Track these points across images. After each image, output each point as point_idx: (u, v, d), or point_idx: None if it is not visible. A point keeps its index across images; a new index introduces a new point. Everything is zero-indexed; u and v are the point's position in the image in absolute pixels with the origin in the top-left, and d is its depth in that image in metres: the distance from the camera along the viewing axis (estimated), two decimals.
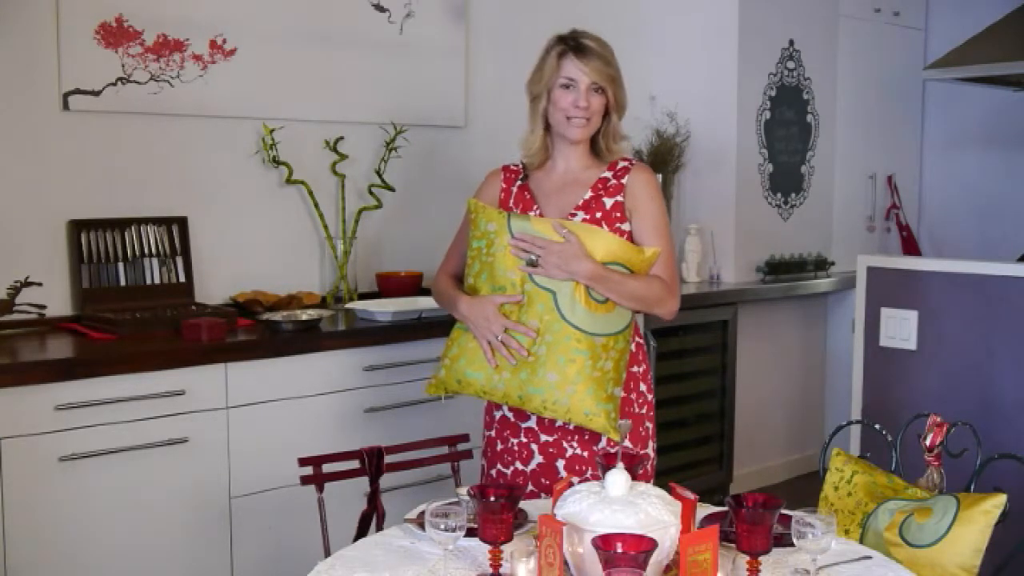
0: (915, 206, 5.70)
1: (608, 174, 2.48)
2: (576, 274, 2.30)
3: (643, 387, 2.52)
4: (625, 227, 2.44)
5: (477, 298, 2.40)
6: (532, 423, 2.46)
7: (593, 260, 2.32)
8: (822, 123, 5.12)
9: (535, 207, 2.49)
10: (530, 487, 2.46)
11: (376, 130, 3.86)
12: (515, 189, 2.53)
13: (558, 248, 2.31)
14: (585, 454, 2.43)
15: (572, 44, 2.45)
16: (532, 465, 2.46)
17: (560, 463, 2.44)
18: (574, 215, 2.44)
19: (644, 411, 2.52)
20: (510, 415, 2.50)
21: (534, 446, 2.46)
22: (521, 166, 2.57)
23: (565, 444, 2.44)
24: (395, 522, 2.17)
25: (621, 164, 2.49)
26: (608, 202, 2.44)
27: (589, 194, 2.46)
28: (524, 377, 2.32)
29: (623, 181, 2.46)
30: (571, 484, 1.84)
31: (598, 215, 2.43)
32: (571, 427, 2.43)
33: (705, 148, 4.76)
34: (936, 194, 5.70)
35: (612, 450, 2.34)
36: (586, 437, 2.44)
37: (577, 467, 2.43)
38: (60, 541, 2.68)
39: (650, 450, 2.54)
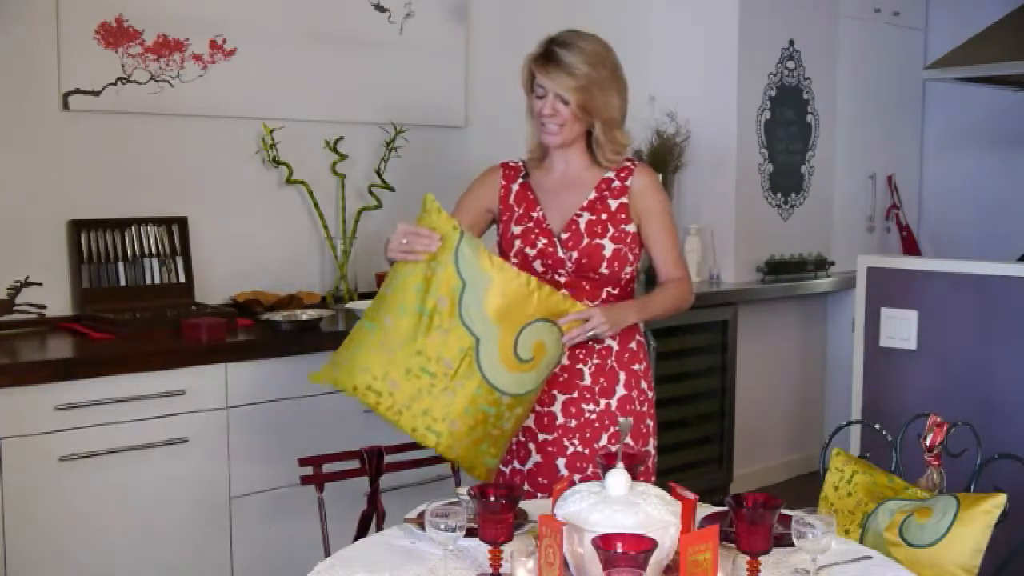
0: (915, 206, 5.70)
1: (611, 174, 2.48)
2: (627, 323, 2.41)
3: (643, 384, 2.52)
4: (630, 228, 2.45)
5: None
6: (530, 422, 2.46)
7: (632, 309, 2.41)
8: (822, 123, 5.12)
9: (538, 207, 2.48)
10: (526, 487, 2.45)
11: (376, 130, 3.86)
12: (516, 187, 2.53)
13: (601, 314, 2.31)
14: (586, 451, 2.43)
15: (542, 51, 2.43)
16: (529, 464, 2.47)
17: (561, 461, 2.44)
18: (579, 215, 2.44)
19: (645, 408, 2.52)
20: None
21: (531, 445, 2.47)
22: (522, 163, 2.57)
23: (566, 442, 2.44)
24: (395, 522, 2.17)
25: (625, 165, 2.49)
26: (613, 204, 2.45)
27: (593, 194, 2.46)
28: (424, 412, 2.18)
29: (627, 183, 2.47)
30: (572, 483, 1.84)
31: (603, 216, 2.44)
32: (572, 424, 2.44)
33: (705, 148, 4.75)
34: (936, 194, 5.69)
35: (613, 448, 2.34)
36: (587, 435, 2.44)
37: (578, 464, 2.43)
38: (60, 541, 2.68)
39: (651, 447, 2.54)
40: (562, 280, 2.43)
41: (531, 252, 2.44)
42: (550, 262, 2.43)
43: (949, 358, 3.26)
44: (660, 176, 4.67)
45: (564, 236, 2.43)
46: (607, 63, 2.43)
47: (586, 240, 2.42)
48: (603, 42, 2.47)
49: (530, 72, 2.44)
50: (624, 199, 2.45)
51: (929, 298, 3.31)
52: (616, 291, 2.46)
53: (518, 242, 2.46)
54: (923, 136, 5.70)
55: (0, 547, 2.58)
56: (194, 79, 3.45)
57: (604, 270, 2.42)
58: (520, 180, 2.54)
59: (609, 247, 2.42)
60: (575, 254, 2.41)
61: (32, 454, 2.62)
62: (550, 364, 2.29)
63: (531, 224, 2.47)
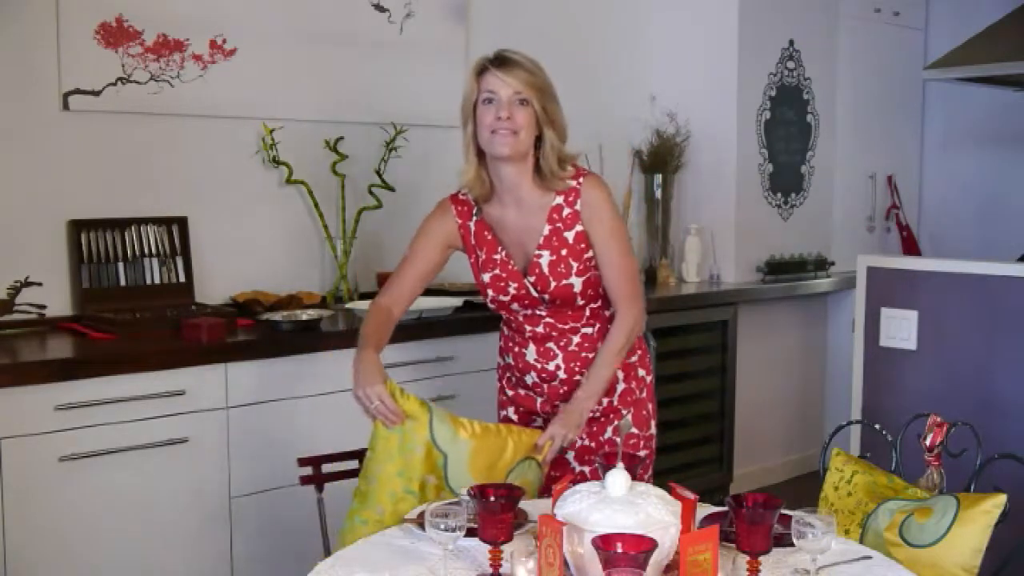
0: (915, 206, 5.70)
1: (559, 200, 2.39)
2: (587, 414, 2.39)
3: (641, 372, 2.56)
4: (591, 253, 2.41)
5: (369, 365, 2.31)
6: (539, 422, 2.51)
7: (582, 404, 2.37)
8: (822, 123, 5.12)
9: (499, 248, 2.44)
10: None
11: (376, 130, 3.86)
12: (473, 227, 2.47)
13: (561, 428, 2.33)
14: (593, 444, 2.50)
15: (492, 59, 2.34)
16: None
17: (571, 455, 2.50)
18: (539, 256, 2.39)
19: (644, 395, 2.57)
20: (514, 416, 2.58)
21: None
22: (470, 197, 2.48)
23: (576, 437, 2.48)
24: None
25: (570, 185, 2.39)
26: (569, 235, 2.39)
27: (547, 229, 2.39)
28: None
29: (577, 207, 2.39)
30: (572, 484, 1.84)
31: (564, 252, 2.39)
32: None
33: (705, 148, 4.75)
34: (936, 194, 5.69)
35: (618, 440, 2.39)
36: (593, 429, 2.50)
37: (586, 457, 2.50)
38: (60, 541, 2.68)
39: (653, 429, 2.59)
40: (543, 313, 2.45)
41: (505, 298, 2.45)
42: (527, 302, 2.44)
43: (949, 358, 3.26)
44: (660, 176, 4.71)
45: (531, 279, 2.41)
46: (547, 76, 2.38)
47: (553, 283, 2.39)
48: None
49: (475, 85, 2.34)
50: (579, 227, 2.39)
51: (929, 298, 3.30)
52: (598, 303, 2.47)
53: (491, 291, 2.45)
54: (923, 136, 5.70)
55: (0, 547, 2.58)
56: (194, 79, 3.45)
57: (580, 301, 2.43)
58: (474, 218, 2.47)
59: (578, 283, 2.40)
60: (547, 295, 2.41)
61: (32, 454, 2.62)
62: (535, 493, 2.33)
63: (497, 270, 2.44)
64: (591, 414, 2.48)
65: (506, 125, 2.30)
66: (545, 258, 2.39)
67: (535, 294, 2.41)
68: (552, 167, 2.36)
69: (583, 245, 2.39)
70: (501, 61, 2.33)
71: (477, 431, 2.25)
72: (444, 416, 2.26)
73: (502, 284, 2.43)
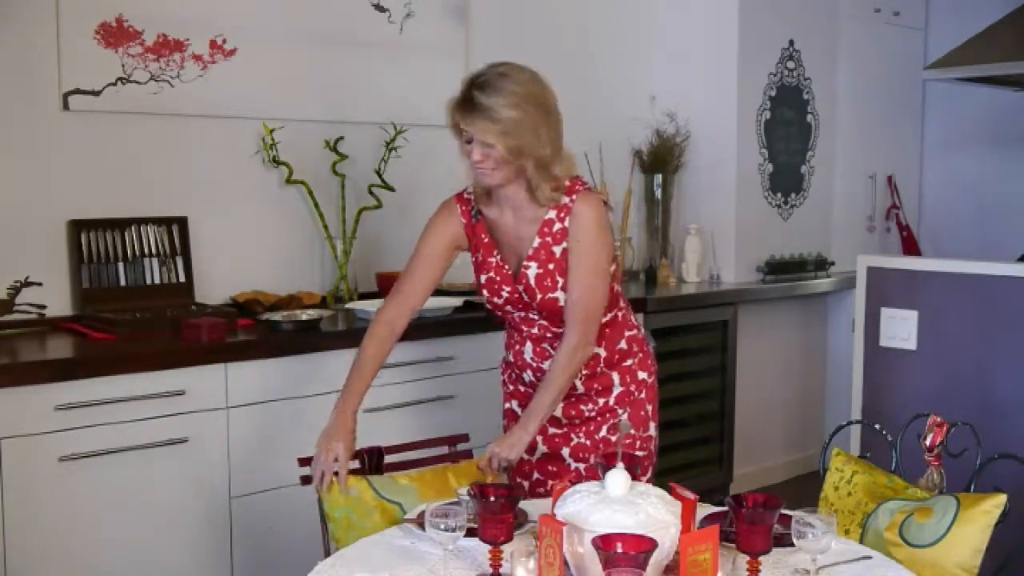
0: (915, 206, 5.70)
1: (552, 214, 2.38)
2: (528, 438, 2.33)
3: (641, 375, 2.56)
4: None
5: (341, 421, 2.33)
6: None
7: (524, 424, 2.33)
8: (822, 123, 5.12)
9: (495, 251, 2.44)
10: (536, 475, 2.54)
11: (376, 130, 3.86)
12: (475, 225, 2.47)
13: (497, 447, 2.31)
14: (588, 442, 2.51)
15: (461, 96, 2.29)
16: (537, 455, 2.54)
17: (565, 451, 2.52)
18: (527, 267, 2.39)
19: (643, 395, 2.56)
20: (518, 410, 2.58)
21: (539, 437, 2.51)
22: (471, 197, 2.48)
23: (572, 435, 2.52)
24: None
25: (564, 201, 2.37)
26: (557, 250, 2.38)
27: (537, 241, 2.38)
28: None
29: (566, 224, 2.38)
30: (571, 485, 1.84)
31: (551, 267, 2.38)
32: (577, 421, 2.51)
33: (705, 148, 4.76)
34: (936, 194, 5.69)
35: (613, 438, 2.46)
36: (590, 428, 2.52)
37: (581, 454, 2.51)
38: (60, 541, 2.68)
39: (652, 431, 2.59)
40: (536, 318, 2.45)
41: (499, 301, 2.46)
42: (520, 306, 2.45)
43: (949, 358, 3.26)
44: (660, 176, 4.71)
45: (520, 287, 2.41)
46: (532, 100, 2.28)
47: (540, 295, 2.40)
48: (528, 77, 2.31)
49: (451, 116, 2.32)
50: (566, 243, 2.38)
51: (929, 298, 3.30)
52: None
53: (486, 292, 2.47)
54: (923, 136, 5.70)
55: (0, 547, 2.59)
56: (194, 79, 3.45)
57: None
58: (474, 220, 2.47)
59: (563, 297, 2.39)
60: (535, 304, 2.42)
61: (32, 454, 2.62)
62: None
63: (492, 273, 2.44)
64: (589, 413, 2.51)
65: (485, 165, 2.30)
66: (532, 270, 2.39)
67: (527, 299, 2.42)
68: (546, 194, 2.35)
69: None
70: (466, 107, 2.27)
71: (414, 475, 2.31)
72: (384, 477, 2.30)
73: (496, 287, 2.44)
